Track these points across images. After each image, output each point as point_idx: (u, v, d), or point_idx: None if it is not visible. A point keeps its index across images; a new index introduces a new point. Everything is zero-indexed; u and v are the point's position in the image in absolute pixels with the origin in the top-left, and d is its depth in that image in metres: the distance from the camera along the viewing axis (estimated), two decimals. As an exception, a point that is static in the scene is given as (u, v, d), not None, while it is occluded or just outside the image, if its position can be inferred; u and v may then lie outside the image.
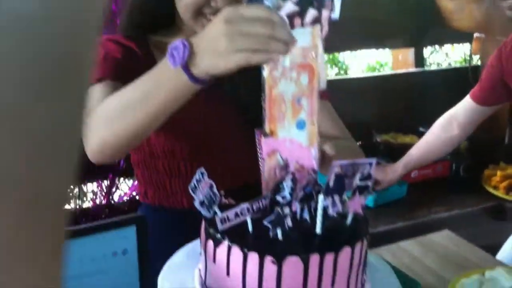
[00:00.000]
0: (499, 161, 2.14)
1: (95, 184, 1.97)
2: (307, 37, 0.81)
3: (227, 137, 1.24)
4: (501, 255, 1.76)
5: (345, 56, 3.55)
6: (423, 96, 2.39)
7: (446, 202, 1.99)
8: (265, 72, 0.81)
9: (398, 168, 1.90)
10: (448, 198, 2.02)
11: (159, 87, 0.92)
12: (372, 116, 2.33)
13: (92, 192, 1.97)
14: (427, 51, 3.56)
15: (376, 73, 3.33)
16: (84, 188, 2.01)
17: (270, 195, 0.75)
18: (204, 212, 0.78)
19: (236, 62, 0.80)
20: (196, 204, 0.78)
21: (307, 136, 0.84)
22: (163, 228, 1.31)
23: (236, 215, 0.75)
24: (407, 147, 2.19)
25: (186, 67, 0.85)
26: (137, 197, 1.79)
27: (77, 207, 1.92)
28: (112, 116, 0.99)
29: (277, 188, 0.74)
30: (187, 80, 0.86)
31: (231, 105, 1.23)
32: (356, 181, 0.75)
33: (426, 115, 2.30)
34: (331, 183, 0.75)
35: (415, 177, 2.09)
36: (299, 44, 0.80)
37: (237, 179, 1.20)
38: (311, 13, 0.80)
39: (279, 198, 0.74)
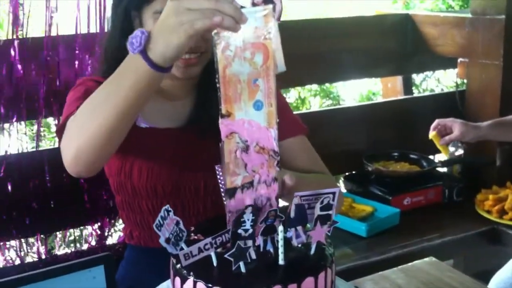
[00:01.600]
0: (491, 185, 2.12)
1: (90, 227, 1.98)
2: (260, 17, 0.81)
3: (203, 170, 1.25)
4: (494, 281, 1.74)
5: (337, 87, 3.58)
6: (413, 123, 2.40)
7: (440, 228, 1.97)
8: (218, 52, 0.81)
9: (482, 125, 2.00)
10: (442, 224, 2.01)
11: (123, 78, 0.95)
12: (363, 144, 2.34)
13: (90, 235, 1.98)
14: (418, 78, 3.60)
15: (365, 102, 3.35)
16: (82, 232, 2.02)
17: (232, 228, 0.75)
18: (170, 249, 0.79)
19: (183, 33, 0.82)
20: (161, 241, 0.78)
21: (265, 117, 0.83)
22: (148, 269, 1.31)
23: (200, 250, 0.75)
24: (399, 174, 2.19)
25: (145, 53, 0.88)
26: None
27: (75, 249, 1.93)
28: (83, 120, 1.01)
29: (239, 221, 0.74)
30: (147, 67, 0.89)
31: (209, 142, 1.24)
32: (317, 211, 0.76)
33: (417, 141, 2.31)
34: (292, 214, 0.75)
35: (408, 204, 2.08)
36: (251, 23, 0.80)
37: (215, 212, 1.21)
38: None
39: (240, 231, 0.74)
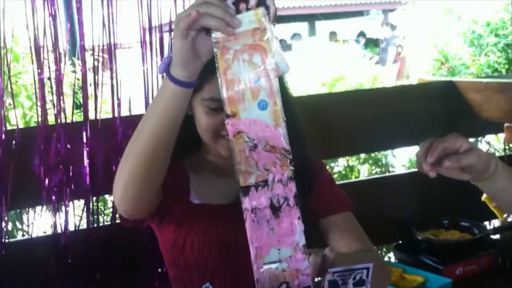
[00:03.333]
0: (547, 251, 2.06)
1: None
2: (253, 20, 0.87)
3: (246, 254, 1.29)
4: None
5: (386, 154, 3.58)
6: (463, 189, 2.37)
7: (495, 298, 1.92)
8: (218, 56, 0.87)
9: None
10: (497, 294, 1.95)
11: (157, 99, 1.07)
12: (412, 212, 2.32)
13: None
14: (468, 142, 3.55)
15: (413, 169, 3.32)
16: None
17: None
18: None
19: (179, 36, 0.93)
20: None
21: (271, 116, 0.86)
22: None
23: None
24: (450, 243, 2.16)
25: (168, 72, 0.99)
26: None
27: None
28: (126, 153, 1.12)
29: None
30: (170, 83, 0.99)
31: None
32: (350, 287, 0.78)
33: (468, 208, 2.27)
34: (326, 290, 0.78)
35: (460, 274, 2.03)
36: (246, 26, 0.86)
37: None
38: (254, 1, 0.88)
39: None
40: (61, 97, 1.72)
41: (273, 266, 0.83)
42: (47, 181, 1.68)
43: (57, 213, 1.72)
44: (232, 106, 0.87)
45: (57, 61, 1.72)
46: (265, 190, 0.87)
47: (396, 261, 2.20)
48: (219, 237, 1.32)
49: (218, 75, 0.89)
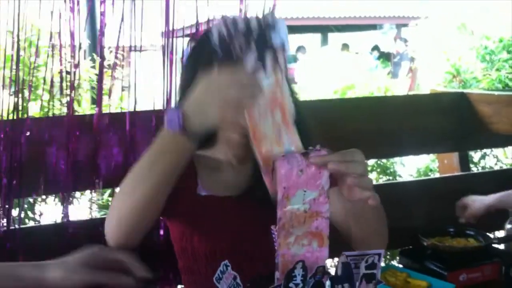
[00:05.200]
0: (552, 262, 2.08)
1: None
2: (272, 81, 0.97)
3: (258, 234, 1.32)
4: None
5: (394, 164, 3.62)
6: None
7: (498, 306, 1.94)
8: (247, 117, 0.97)
9: (489, 199, 1.99)
10: (500, 302, 1.97)
11: (162, 152, 1.08)
12: (418, 220, 2.35)
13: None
14: (477, 155, 3.59)
15: (422, 178, 3.36)
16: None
17: (284, 282, 0.82)
18: (227, 301, 0.86)
19: (217, 109, 0.99)
20: (220, 293, 0.86)
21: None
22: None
23: (254, 302, 0.83)
24: (455, 250, 2.18)
25: (183, 130, 1.01)
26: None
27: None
28: (125, 190, 1.14)
29: (290, 276, 0.81)
30: (185, 140, 1.02)
31: (266, 209, 1.33)
32: (362, 269, 0.82)
33: (474, 217, 2.30)
34: (339, 272, 0.82)
35: (464, 280, 2.06)
36: (266, 88, 0.97)
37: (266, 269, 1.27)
38: (270, 62, 0.98)
39: (292, 285, 0.81)
40: (73, 91, 1.77)
41: (296, 207, 0.89)
42: (60, 171, 1.73)
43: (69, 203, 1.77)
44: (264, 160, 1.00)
45: (74, 55, 1.77)
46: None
47: (401, 266, 2.22)
48: (226, 227, 1.36)
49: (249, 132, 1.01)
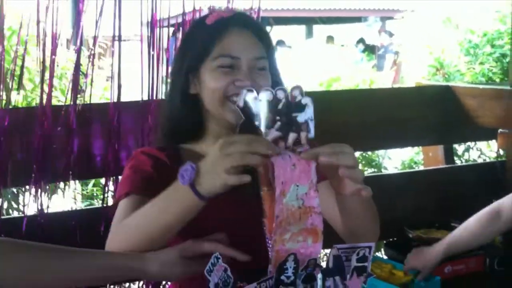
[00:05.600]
0: (535, 254, 2.11)
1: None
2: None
3: (248, 230, 1.32)
4: None
5: (379, 157, 3.63)
6: (454, 192, 2.42)
7: (481, 298, 1.96)
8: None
9: (439, 251, 1.90)
10: (484, 294, 1.99)
11: (171, 203, 1.09)
12: (404, 212, 2.36)
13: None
14: (461, 148, 3.62)
15: (407, 170, 3.38)
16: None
17: (276, 275, 0.82)
18: (218, 293, 0.86)
19: (224, 175, 0.97)
20: (211, 285, 0.86)
21: None
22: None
23: (245, 295, 0.82)
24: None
25: (193, 186, 1.02)
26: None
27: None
28: (131, 232, 1.16)
29: (281, 269, 0.81)
30: (194, 197, 1.02)
31: (252, 201, 1.32)
32: (354, 262, 0.82)
33: (457, 210, 2.32)
34: (330, 264, 0.82)
35: (449, 272, 2.08)
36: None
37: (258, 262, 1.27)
38: (292, 136, 0.97)
39: (283, 278, 0.81)
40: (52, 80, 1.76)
41: (290, 203, 0.89)
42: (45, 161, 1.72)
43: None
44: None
45: (54, 44, 1.76)
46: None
47: (387, 257, 2.24)
48: (221, 213, 1.36)
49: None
